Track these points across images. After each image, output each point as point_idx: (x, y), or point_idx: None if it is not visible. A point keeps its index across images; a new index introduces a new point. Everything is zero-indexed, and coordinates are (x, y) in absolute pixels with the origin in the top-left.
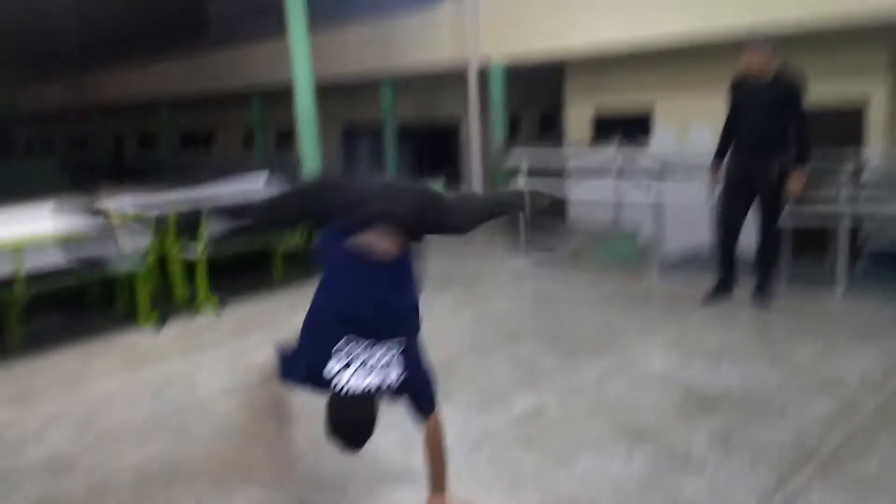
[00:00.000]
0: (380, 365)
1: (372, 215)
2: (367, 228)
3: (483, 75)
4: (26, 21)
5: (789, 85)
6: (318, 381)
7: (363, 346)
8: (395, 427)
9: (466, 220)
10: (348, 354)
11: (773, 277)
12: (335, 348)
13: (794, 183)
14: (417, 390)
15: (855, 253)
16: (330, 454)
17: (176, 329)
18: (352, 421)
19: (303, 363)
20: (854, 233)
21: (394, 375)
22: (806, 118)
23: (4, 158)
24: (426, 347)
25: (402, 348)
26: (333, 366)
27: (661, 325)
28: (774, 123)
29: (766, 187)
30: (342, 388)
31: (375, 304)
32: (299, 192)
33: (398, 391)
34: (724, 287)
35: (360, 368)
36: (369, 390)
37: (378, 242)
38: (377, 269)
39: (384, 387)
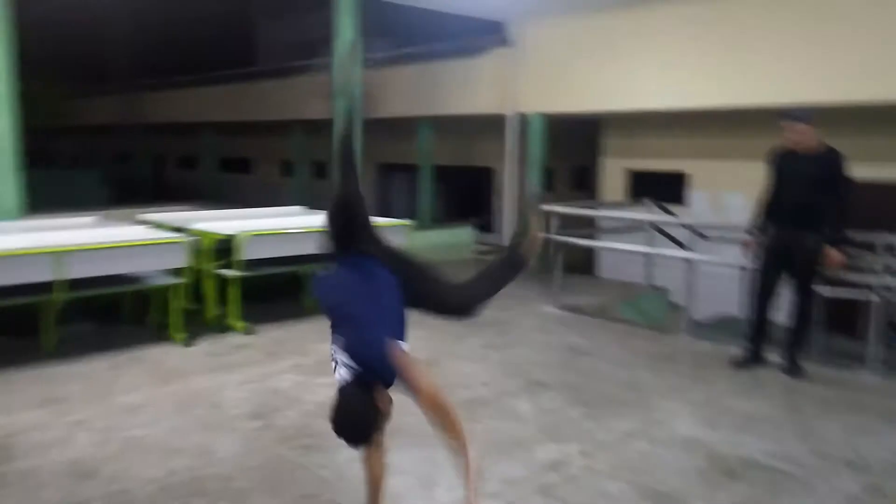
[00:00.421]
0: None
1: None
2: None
3: (521, 126)
4: (83, 38)
5: (831, 160)
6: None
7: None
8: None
9: (466, 297)
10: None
11: (804, 347)
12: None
13: (834, 257)
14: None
15: (890, 329)
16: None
17: (205, 347)
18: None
19: None
20: (889, 308)
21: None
22: (850, 191)
23: (49, 168)
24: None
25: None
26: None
27: (688, 387)
28: (814, 197)
29: (803, 259)
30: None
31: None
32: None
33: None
34: (755, 355)
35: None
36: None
37: None
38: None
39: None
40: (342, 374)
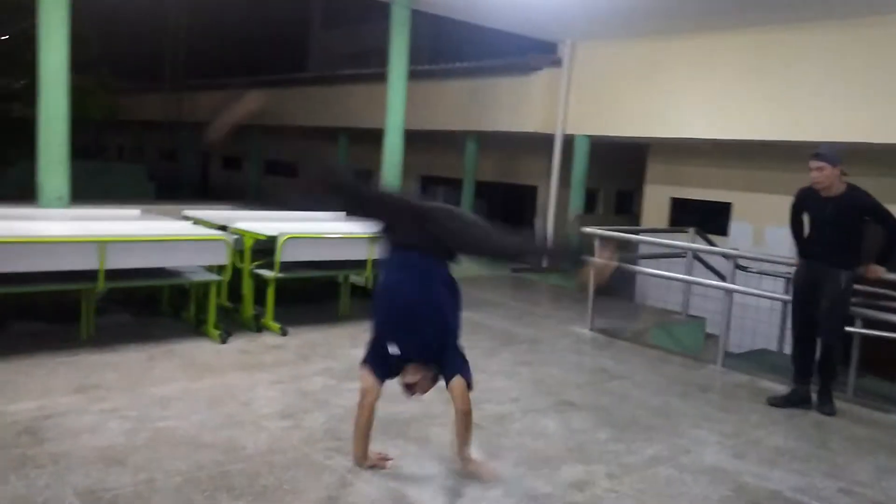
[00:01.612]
0: None
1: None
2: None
3: (567, 146)
4: (139, 35)
5: (854, 199)
6: None
7: None
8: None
9: (485, 247)
10: None
11: (834, 383)
12: None
13: (872, 271)
14: None
15: None
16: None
17: (239, 345)
18: None
19: None
20: None
21: None
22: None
23: (97, 160)
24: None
25: None
26: None
27: (718, 417)
28: (841, 238)
29: (833, 295)
30: None
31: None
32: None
33: None
34: (799, 397)
35: None
36: None
37: None
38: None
39: None
40: None
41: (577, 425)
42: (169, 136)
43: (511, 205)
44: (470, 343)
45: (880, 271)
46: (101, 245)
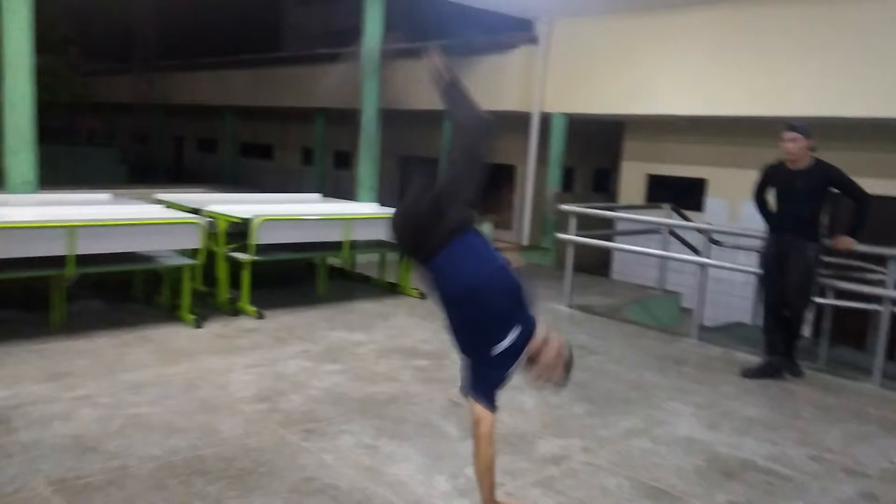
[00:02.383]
0: None
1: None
2: None
3: (544, 125)
4: (108, 15)
5: (826, 173)
6: None
7: None
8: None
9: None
10: None
11: (798, 347)
12: None
13: (842, 243)
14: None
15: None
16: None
17: (215, 329)
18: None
19: None
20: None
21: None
22: (867, 198)
23: (67, 144)
24: None
25: None
26: None
27: (692, 389)
28: (809, 210)
29: (802, 267)
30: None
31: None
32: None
33: None
34: (772, 368)
35: None
36: None
37: None
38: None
39: None
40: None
41: (554, 401)
42: (141, 119)
43: (489, 184)
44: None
45: (850, 242)
46: (71, 230)
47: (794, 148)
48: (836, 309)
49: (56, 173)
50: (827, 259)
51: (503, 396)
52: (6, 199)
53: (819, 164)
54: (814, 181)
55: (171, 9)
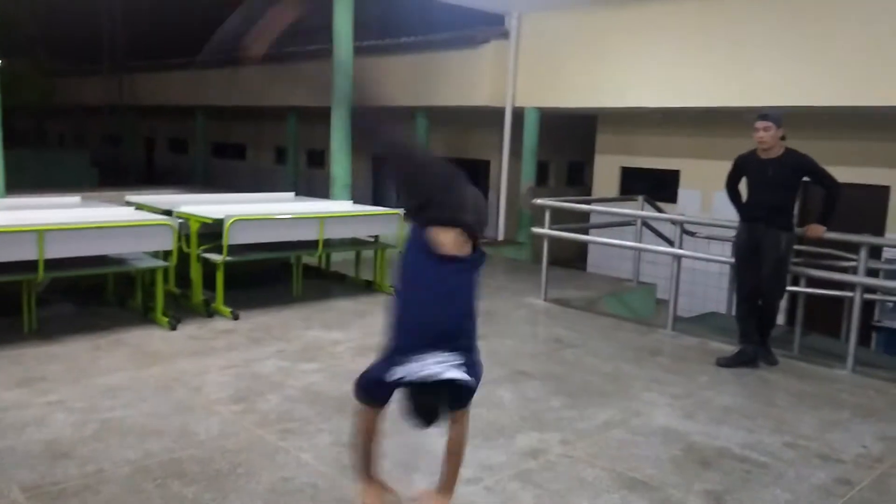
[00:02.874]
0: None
1: (464, 222)
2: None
3: (517, 119)
4: (74, 16)
5: (797, 162)
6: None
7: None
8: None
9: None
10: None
11: (771, 334)
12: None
13: (813, 231)
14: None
15: (869, 329)
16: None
17: (189, 331)
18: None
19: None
20: (870, 308)
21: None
22: (837, 186)
23: (37, 148)
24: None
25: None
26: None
27: (669, 380)
28: (781, 199)
29: (775, 256)
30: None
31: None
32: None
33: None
34: (747, 357)
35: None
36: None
37: (454, 245)
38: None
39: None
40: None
41: (532, 394)
42: (111, 121)
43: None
44: None
45: (821, 231)
46: (40, 234)
47: (766, 136)
48: (809, 297)
49: (24, 178)
50: (799, 247)
51: (481, 391)
52: None
53: (790, 152)
54: (786, 170)
55: (140, 9)
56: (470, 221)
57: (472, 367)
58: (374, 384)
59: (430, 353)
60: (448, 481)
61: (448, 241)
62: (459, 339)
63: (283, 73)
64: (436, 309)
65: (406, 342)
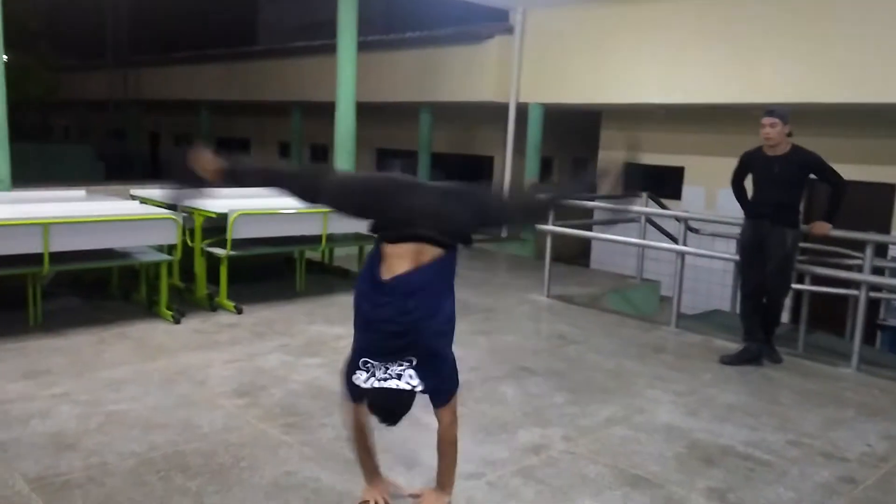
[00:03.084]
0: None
1: (411, 235)
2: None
3: (521, 115)
4: (80, 10)
5: (803, 158)
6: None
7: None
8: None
9: (513, 213)
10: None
11: (776, 333)
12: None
13: (818, 228)
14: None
15: (874, 327)
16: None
17: (193, 325)
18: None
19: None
20: (875, 307)
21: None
22: (843, 184)
23: (42, 142)
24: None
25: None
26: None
27: (672, 377)
28: (787, 196)
29: (780, 254)
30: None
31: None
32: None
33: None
34: (751, 355)
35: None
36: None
37: (404, 259)
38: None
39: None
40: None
41: (535, 390)
42: (116, 115)
43: (468, 176)
44: None
45: (827, 228)
46: (45, 227)
47: (773, 133)
48: (814, 294)
49: (30, 171)
50: (804, 245)
51: (484, 387)
52: None
53: (797, 149)
54: (792, 167)
55: (145, 4)
56: (421, 231)
57: (429, 373)
58: (347, 382)
59: (380, 361)
60: (443, 478)
61: (395, 256)
62: (407, 350)
63: (288, 68)
64: (373, 327)
65: (360, 346)
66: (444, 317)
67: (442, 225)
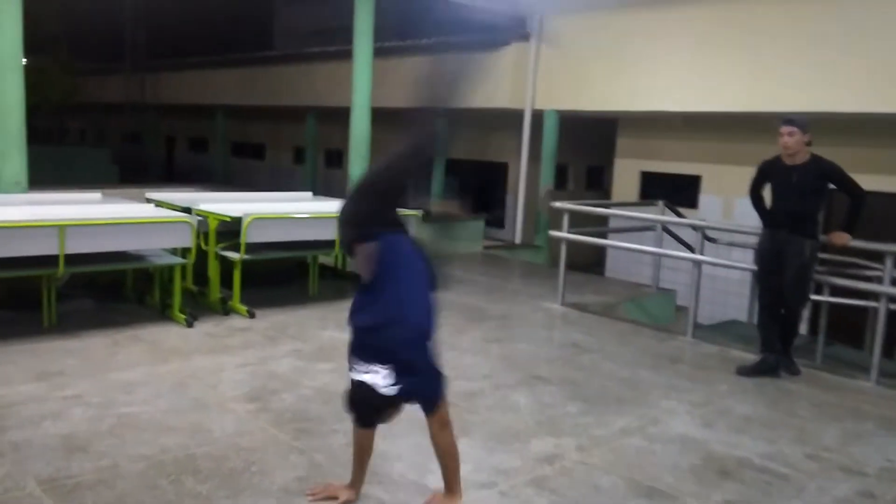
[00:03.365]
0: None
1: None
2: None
3: (536, 122)
4: (97, 14)
5: (822, 168)
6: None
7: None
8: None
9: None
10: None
11: (794, 344)
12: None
13: (837, 238)
14: (415, 395)
15: (894, 339)
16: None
17: (206, 328)
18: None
19: None
20: (895, 319)
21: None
22: (863, 194)
23: (59, 145)
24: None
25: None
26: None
27: (688, 387)
28: (805, 206)
29: (798, 264)
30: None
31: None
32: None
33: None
34: (767, 366)
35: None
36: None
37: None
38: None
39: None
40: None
41: (548, 399)
42: (132, 119)
43: (482, 182)
44: (440, 320)
45: (846, 238)
46: (61, 229)
47: (791, 142)
48: (833, 306)
49: (46, 174)
50: (822, 255)
51: (496, 395)
52: None
53: (816, 159)
54: (810, 176)
55: (162, 8)
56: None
57: (404, 379)
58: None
59: (361, 359)
60: (448, 483)
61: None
62: (383, 353)
63: (303, 73)
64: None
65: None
66: (409, 325)
67: (341, 231)
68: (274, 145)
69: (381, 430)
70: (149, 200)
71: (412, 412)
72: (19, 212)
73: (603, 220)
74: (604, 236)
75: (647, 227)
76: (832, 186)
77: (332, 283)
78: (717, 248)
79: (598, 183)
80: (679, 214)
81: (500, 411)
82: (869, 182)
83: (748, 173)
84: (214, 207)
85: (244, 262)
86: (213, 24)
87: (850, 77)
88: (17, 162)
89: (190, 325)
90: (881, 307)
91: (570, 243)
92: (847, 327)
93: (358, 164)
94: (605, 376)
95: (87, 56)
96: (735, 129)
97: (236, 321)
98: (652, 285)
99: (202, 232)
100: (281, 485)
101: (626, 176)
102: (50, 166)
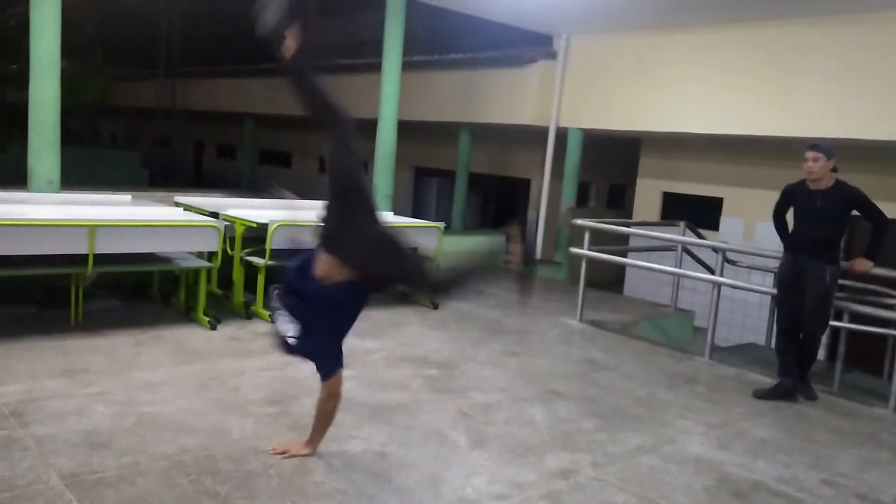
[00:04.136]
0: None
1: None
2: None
3: (560, 139)
4: (132, 19)
5: (846, 194)
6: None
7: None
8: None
9: (438, 282)
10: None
11: (812, 369)
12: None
13: (859, 265)
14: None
15: None
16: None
17: (229, 332)
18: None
19: None
20: None
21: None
22: (886, 221)
23: (90, 147)
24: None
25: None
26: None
27: (704, 408)
28: (827, 231)
29: (819, 290)
30: None
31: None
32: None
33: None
34: (784, 390)
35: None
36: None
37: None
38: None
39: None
40: None
41: (564, 415)
42: (163, 124)
43: (504, 197)
44: (459, 332)
45: (867, 265)
46: (91, 229)
47: (816, 167)
48: (852, 332)
49: (78, 175)
50: (843, 282)
51: (513, 408)
52: (30, 198)
53: (840, 184)
54: (834, 202)
55: (196, 17)
56: (348, 259)
57: (305, 342)
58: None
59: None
60: (313, 434)
61: (323, 262)
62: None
63: (331, 84)
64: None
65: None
66: (336, 322)
67: (363, 263)
68: (300, 153)
69: (398, 438)
70: (177, 204)
71: (434, 423)
72: (51, 211)
73: (623, 238)
74: (624, 255)
75: (667, 247)
76: (855, 213)
77: None
78: (736, 271)
79: (619, 202)
80: (700, 236)
81: (517, 424)
82: (893, 209)
83: (770, 197)
84: (241, 213)
85: (269, 268)
86: (244, 35)
87: (876, 105)
88: (50, 161)
89: (213, 327)
90: None
91: (590, 260)
92: (866, 354)
93: (383, 176)
94: (622, 394)
95: (122, 62)
96: (758, 152)
97: (259, 325)
98: (670, 305)
99: (228, 237)
100: (298, 488)
101: (647, 196)
102: (82, 167)
